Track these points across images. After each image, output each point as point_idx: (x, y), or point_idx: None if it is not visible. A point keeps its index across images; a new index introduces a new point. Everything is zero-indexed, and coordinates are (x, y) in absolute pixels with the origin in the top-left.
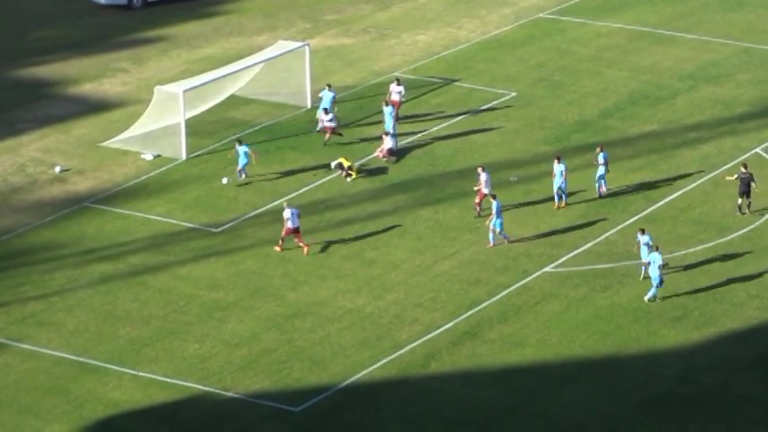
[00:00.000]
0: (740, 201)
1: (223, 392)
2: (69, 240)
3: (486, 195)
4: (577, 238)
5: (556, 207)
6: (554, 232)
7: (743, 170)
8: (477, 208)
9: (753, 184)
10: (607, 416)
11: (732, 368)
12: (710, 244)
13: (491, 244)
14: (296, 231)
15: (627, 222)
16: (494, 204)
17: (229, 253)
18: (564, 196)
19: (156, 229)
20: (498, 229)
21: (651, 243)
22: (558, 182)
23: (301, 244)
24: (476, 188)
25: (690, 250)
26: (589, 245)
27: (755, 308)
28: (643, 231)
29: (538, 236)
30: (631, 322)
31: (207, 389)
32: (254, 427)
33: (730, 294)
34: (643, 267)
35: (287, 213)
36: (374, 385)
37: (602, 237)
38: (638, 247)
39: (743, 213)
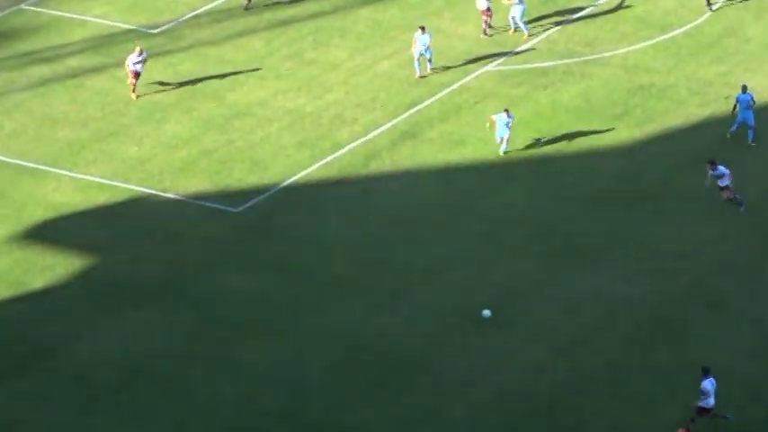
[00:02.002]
0: None
1: (163, 194)
2: (5, 43)
3: (487, 13)
4: (518, 36)
5: (512, 32)
6: (495, 31)
7: None
8: (486, 28)
9: None
10: (548, 213)
11: (673, 165)
12: (653, 41)
13: (418, 74)
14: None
15: (569, 20)
16: (420, 35)
17: (168, 54)
18: (519, 27)
19: (94, 30)
20: (427, 57)
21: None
22: (516, 11)
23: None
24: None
25: (632, 48)
26: (530, 43)
27: (696, 104)
28: (508, 112)
29: (479, 34)
30: (572, 120)
31: (147, 190)
32: (194, 227)
33: (671, 91)
34: (504, 143)
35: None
36: (314, 185)
37: (544, 35)
38: (492, 126)
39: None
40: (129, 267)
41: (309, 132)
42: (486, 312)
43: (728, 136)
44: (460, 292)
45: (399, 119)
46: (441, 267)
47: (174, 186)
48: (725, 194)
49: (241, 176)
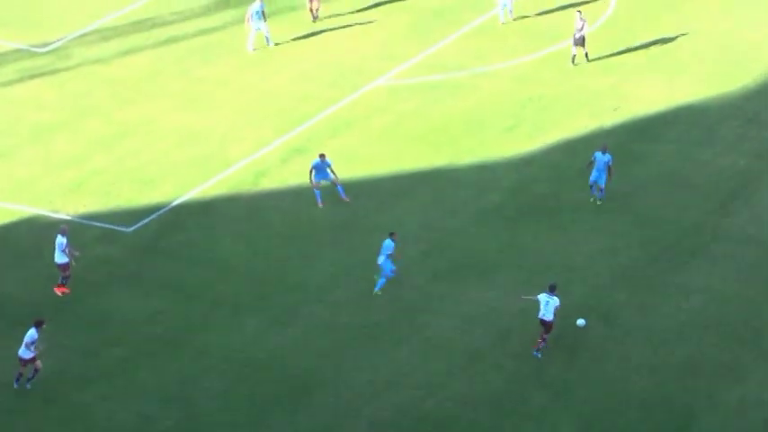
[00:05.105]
0: (574, 50)
1: (53, 215)
2: None
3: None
4: (407, 50)
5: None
6: (384, 45)
7: (577, 15)
8: (313, 12)
9: (584, 32)
10: (442, 228)
11: (563, 177)
12: (542, 53)
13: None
14: None
15: (457, 33)
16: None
17: (56, 73)
18: (509, 14)
19: None
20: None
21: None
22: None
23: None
24: None
25: (521, 59)
26: (419, 57)
27: (586, 116)
28: (392, 235)
29: (367, 49)
30: (463, 134)
31: (37, 211)
32: (86, 248)
33: (561, 103)
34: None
35: None
36: (205, 203)
37: (433, 49)
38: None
39: (575, 64)
40: (21, 288)
41: (199, 150)
42: (581, 322)
43: (595, 202)
44: (354, 308)
45: (289, 135)
46: (334, 284)
47: (64, 207)
48: None
49: (131, 196)
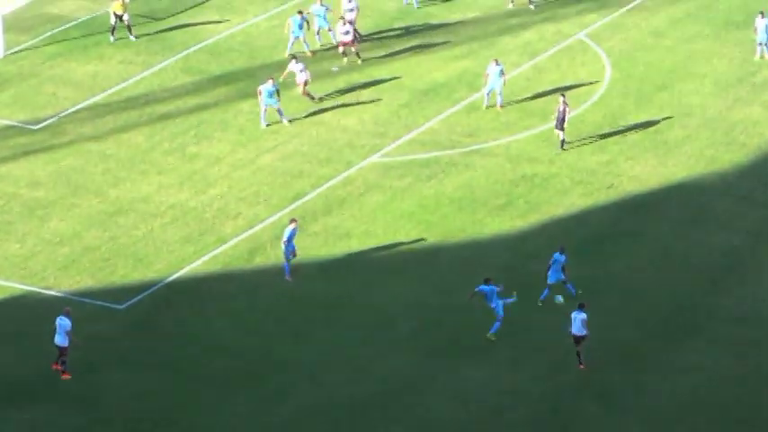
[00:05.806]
0: (562, 135)
1: (46, 291)
2: None
3: (305, 84)
4: (400, 127)
5: (486, 107)
6: (377, 122)
7: (561, 99)
8: (306, 96)
9: (566, 116)
10: (433, 305)
11: None
12: (535, 130)
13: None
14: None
15: (450, 111)
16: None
17: (49, 150)
18: (499, 98)
19: None
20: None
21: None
22: (493, 83)
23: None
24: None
25: (514, 137)
26: (412, 134)
27: (579, 194)
28: (488, 281)
29: (361, 126)
30: (456, 212)
31: (29, 288)
32: (78, 325)
33: (554, 181)
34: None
35: None
36: (198, 280)
37: (425, 126)
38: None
39: (563, 149)
40: (13, 367)
41: (193, 227)
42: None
43: (539, 304)
44: (346, 386)
45: (283, 212)
46: (326, 363)
47: (57, 284)
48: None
49: (125, 273)
